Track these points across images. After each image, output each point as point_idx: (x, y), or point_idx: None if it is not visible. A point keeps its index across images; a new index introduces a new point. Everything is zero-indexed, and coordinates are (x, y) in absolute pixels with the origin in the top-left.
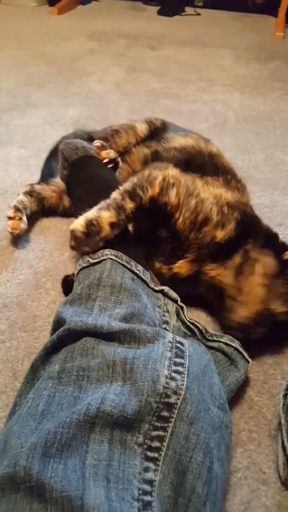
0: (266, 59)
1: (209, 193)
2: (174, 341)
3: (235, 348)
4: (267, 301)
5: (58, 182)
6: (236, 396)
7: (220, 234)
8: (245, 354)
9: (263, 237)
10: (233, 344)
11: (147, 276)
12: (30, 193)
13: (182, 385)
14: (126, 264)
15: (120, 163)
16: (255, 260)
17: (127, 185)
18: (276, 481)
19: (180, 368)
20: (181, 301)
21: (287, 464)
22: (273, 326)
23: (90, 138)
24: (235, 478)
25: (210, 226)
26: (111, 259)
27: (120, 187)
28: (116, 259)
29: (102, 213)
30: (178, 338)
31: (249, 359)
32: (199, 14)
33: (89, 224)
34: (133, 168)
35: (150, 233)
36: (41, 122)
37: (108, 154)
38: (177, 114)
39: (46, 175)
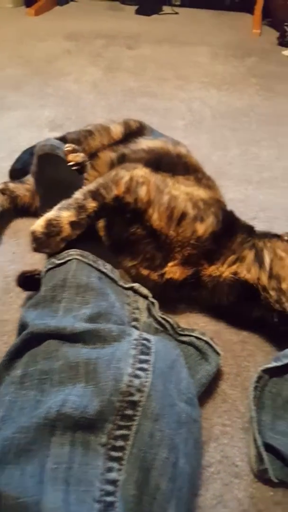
0: (243, 56)
1: (181, 191)
2: (140, 338)
3: (206, 342)
4: None
5: (32, 180)
6: (209, 390)
7: (201, 228)
8: (216, 347)
9: (246, 230)
10: (204, 338)
11: (115, 274)
12: (3, 191)
13: (147, 382)
14: (92, 263)
15: (89, 167)
16: (271, 247)
17: (91, 185)
18: (248, 474)
19: (145, 365)
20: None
21: (258, 456)
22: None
23: (63, 140)
24: (208, 472)
25: (188, 219)
26: (77, 259)
27: (84, 187)
28: (82, 258)
29: (62, 213)
30: (144, 335)
31: (220, 352)
32: (177, 13)
33: (49, 224)
34: (100, 173)
35: (125, 235)
36: (16, 124)
37: (75, 157)
38: (154, 112)
39: (16, 171)
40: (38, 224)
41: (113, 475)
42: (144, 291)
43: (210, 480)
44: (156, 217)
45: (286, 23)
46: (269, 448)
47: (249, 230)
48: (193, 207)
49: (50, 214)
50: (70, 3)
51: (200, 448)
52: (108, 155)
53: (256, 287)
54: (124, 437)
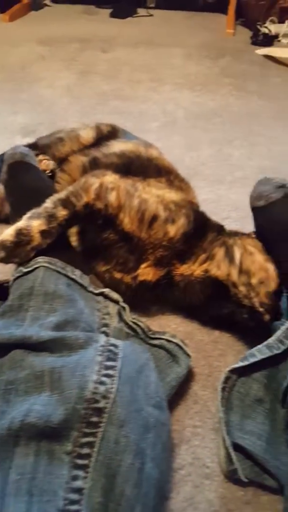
0: (216, 56)
1: (151, 194)
2: (107, 344)
3: (177, 344)
4: (278, 273)
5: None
6: (181, 392)
7: (172, 229)
8: (186, 350)
9: (217, 229)
10: (175, 340)
11: (85, 280)
12: None
13: (112, 388)
14: (60, 270)
15: (59, 173)
16: (241, 244)
17: (61, 193)
18: (219, 474)
19: (110, 372)
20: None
21: (227, 456)
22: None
23: (35, 146)
24: (179, 475)
25: (159, 221)
26: (44, 266)
27: (54, 195)
28: (50, 266)
29: (32, 221)
30: (112, 341)
31: (190, 354)
32: (151, 15)
33: (19, 233)
34: (73, 177)
35: (97, 241)
36: None
37: (48, 165)
38: (127, 115)
39: None
40: (8, 234)
41: (78, 483)
42: (115, 296)
43: (181, 482)
44: (127, 221)
45: (259, 23)
46: (238, 448)
47: (220, 229)
48: (164, 209)
49: (20, 223)
50: (45, 8)
51: (169, 452)
52: (80, 159)
53: (226, 283)
54: (90, 444)
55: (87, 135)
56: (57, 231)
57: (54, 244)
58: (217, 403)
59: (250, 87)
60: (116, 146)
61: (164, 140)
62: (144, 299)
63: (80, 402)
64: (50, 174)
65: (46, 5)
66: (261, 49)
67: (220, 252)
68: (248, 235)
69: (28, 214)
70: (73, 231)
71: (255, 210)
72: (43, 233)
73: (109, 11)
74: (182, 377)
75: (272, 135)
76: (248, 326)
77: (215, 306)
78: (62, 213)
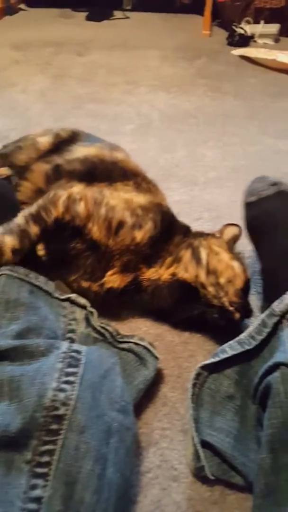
0: (192, 58)
1: (119, 199)
2: (69, 351)
3: (144, 347)
4: (244, 270)
5: None
6: (150, 395)
7: (139, 235)
8: (154, 352)
9: (183, 231)
10: (142, 343)
11: (50, 286)
12: None
13: (72, 395)
14: (24, 277)
15: (16, 180)
16: (207, 244)
17: (32, 208)
18: (187, 476)
19: (71, 378)
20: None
21: (195, 454)
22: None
23: None
24: (146, 478)
25: (126, 228)
26: (6, 274)
27: (25, 210)
28: (12, 273)
29: (4, 238)
30: (74, 347)
31: (158, 356)
32: (128, 18)
33: None
34: (37, 186)
35: (64, 250)
36: None
37: (5, 171)
38: (102, 118)
39: None
40: None
41: (37, 492)
42: (82, 301)
43: (149, 486)
44: (95, 230)
45: (234, 23)
46: (206, 445)
47: (186, 231)
48: (131, 215)
49: None
50: (20, 12)
51: (133, 456)
52: (42, 167)
53: (195, 285)
54: (50, 452)
55: (44, 141)
56: (28, 248)
57: None
58: (188, 400)
59: (225, 87)
60: (79, 151)
61: (138, 142)
62: (113, 305)
63: (39, 410)
64: (5, 179)
65: (21, 9)
66: (237, 49)
67: (186, 254)
68: (212, 235)
69: (0, 230)
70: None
71: (246, 205)
72: (15, 251)
73: (85, 14)
74: (149, 379)
75: (246, 135)
76: (219, 326)
77: (185, 308)
78: (34, 230)
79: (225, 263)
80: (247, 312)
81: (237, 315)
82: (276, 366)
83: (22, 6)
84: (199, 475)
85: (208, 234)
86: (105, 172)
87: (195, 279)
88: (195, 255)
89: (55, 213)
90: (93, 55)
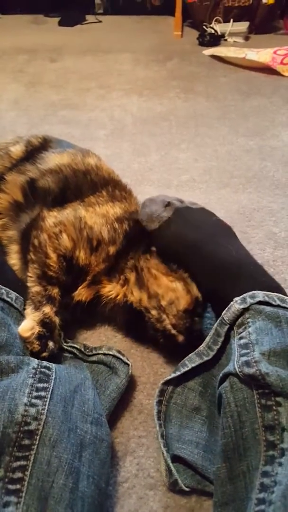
0: (164, 59)
1: (96, 216)
2: (39, 367)
3: (113, 355)
4: (189, 290)
5: None
6: (126, 403)
7: (112, 249)
8: (124, 358)
9: (146, 243)
10: (111, 352)
11: (20, 303)
12: None
13: (44, 409)
14: None
15: None
16: (147, 268)
17: (34, 269)
18: (163, 484)
19: (42, 393)
20: None
21: (168, 470)
22: None
23: None
24: (123, 488)
25: (103, 245)
26: None
27: (29, 275)
28: None
29: (44, 309)
30: (44, 363)
31: (128, 362)
32: (100, 22)
33: (43, 323)
34: (14, 197)
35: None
36: None
37: None
38: (76, 124)
39: None
40: (30, 326)
41: (10, 510)
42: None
43: (126, 495)
44: (82, 255)
45: (205, 23)
46: (178, 458)
47: (141, 244)
48: (108, 231)
49: (34, 316)
50: None
51: (109, 468)
52: (17, 179)
53: (140, 309)
54: (22, 468)
55: (17, 150)
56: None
57: None
58: (154, 417)
59: (197, 88)
60: (52, 160)
61: (112, 147)
62: (83, 316)
63: (10, 426)
64: None
65: None
66: (208, 49)
67: (132, 278)
68: (152, 253)
69: (30, 307)
70: (13, 248)
71: (152, 233)
72: (56, 312)
73: (57, 19)
74: (122, 387)
75: (218, 135)
76: (166, 349)
77: (139, 328)
78: (55, 291)
79: (165, 287)
80: (192, 333)
81: (181, 338)
82: (226, 376)
83: None
84: (174, 488)
85: (151, 250)
86: (76, 187)
87: (139, 304)
88: (139, 278)
89: (53, 263)
90: (66, 60)
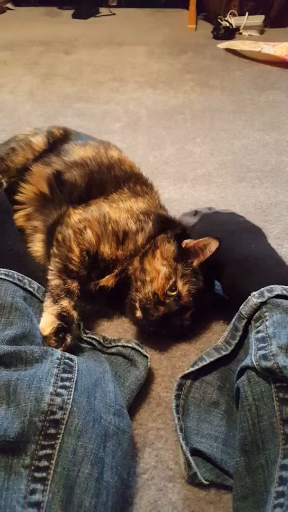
0: (178, 52)
1: (120, 211)
2: (63, 358)
3: (132, 348)
4: (171, 279)
5: None
6: (144, 395)
7: (140, 238)
8: (142, 351)
9: (180, 229)
10: (129, 345)
11: (42, 293)
12: None
13: (69, 399)
14: (18, 282)
15: (4, 184)
16: (157, 247)
17: (56, 264)
18: (182, 476)
19: (67, 383)
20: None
21: (187, 462)
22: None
23: None
24: (142, 480)
25: (131, 235)
26: (1, 278)
27: (51, 268)
28: (7, 278)
29: (62, 303)
30: (67, 355)
31: (147, 354)
32: (114, 14)
33: (61, 316)
34: (40, 190)
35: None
36: None
37: None
38: (91, 116)
39: None
40: (50, 322)
41: (36, 497)
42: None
43: (145, 487)
44: (107, 249)
45: (219, 16)
46: (197, 452)
47: (185, 229)
48: (135, 222)
49: (52, 310)
50: (7, 11)
51: (130, 459)
52: (43, 171)
53: (131, 276)
54: (48, 457)
55: (38, 141)
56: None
57: (11, 256)
58: (172, 411)
59: (212, 82)
60: (76, 153)
61: (127, 140)
62: (102, 303)
63: (36, 415)
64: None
65: (8, 8)
66: (223, 42)
67: (146, 249)
68: (172, 239)
69: (49, 299)
70: (37, 237)
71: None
72: (75, 307)
73: (71, 12)
74: (141, 379)
75: (233, 129)
76: (130, 319)
77: (121, 295)
78: (74, 284)
79: (153, 266)
80: (148, 315)
81: (138, 313)
82: (244, 370)
83: (9, 5)
84: (193, 482)
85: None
86: (100, 184)
87: (133, 272)
88: (145, 253)
89: (75, 257)
90: (80, 53)
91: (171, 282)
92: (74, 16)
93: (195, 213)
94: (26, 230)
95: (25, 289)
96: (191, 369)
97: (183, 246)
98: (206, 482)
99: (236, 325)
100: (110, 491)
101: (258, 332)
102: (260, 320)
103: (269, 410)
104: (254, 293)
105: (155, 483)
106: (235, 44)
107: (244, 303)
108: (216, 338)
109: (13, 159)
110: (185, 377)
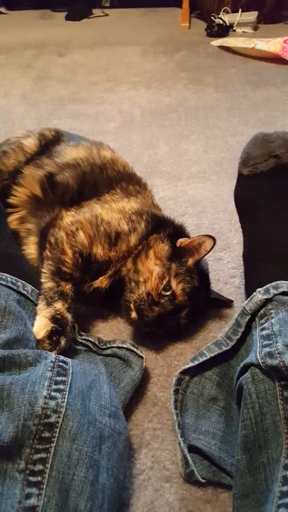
0: (172, 51)
1: (112, 211)
2: (57, 361)
3: (127, 349)
4: (164, 279)
5: None
6: (140, 395)
7: (133, 238)
8: (138, 351)
9: (173, 228)
10: (124, 346)
11: (36, 296)
12: None
13: (63, 402)
14: (11, 285)
15: (14, 187)
16: (150, 247)
17: (48, 266)
18: (179, 476)
19: (61, 386)
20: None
21: (184, 459)
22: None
23: None
24: (138, 480)
25: (123, 236)
26: None
27: (43, 271)
28: (0, 281)
29: (56, 305)
30: (61, 358)
31: (142, 355)
32: (107, 15)
33: (54, 319)
34: (32, 193)
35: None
36: None
37: None
38: (84, 118)
39: None
40: (43, 324)
41: (32, 502)
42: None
43: (141, 488)
44: (99, 251)
45: (213, 14)
46: (195, 449)
47: (179, 228)
48: (127, 223)
49: (45, 312)
50: (0, 16)
51: (126, 460)
52: (36, 173)
53: (125, 277)
54: (43, 461)
55: (30, 144)
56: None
57: (9, 256)
58: (170, 406)
59: (206, 79)
60: (68, 154)
61: (122, 140)
62: (96, 304)
63: (31, 418)
64: None
65: (1, 12)
66: (216, 40)
67: (142, 251)
68: (165, 238)
69: (42, 302)
70: (31, 240)
71: (239, 176)
72: (69, 309)
73: (64, 14)
74: (136, 379)
75: (228, 126)
76: (126, 320)
77: (115, 297)
78: (67, 287)
79: (146, 266)
80: (143, 316)
81: (133, 314)
82: (247, 367)
83: (2, 9)
84: (190, 479)
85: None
86: (93, 185)
87: (127, 272)
88: (138, 254)
89: (68, 259)
90: (74, 54)
91: (164, 282)
92: (68, 18)
93: (274, 156)
94: (20, 233)
95: (19, 292)
96: (191, 364)
97: (178, 245)
98: (203, 480)
99: (239, 320)
100: (106, 493)
101: (263, 329)
102: (265, 317)
103: (273, 409)
104: (259, 289)
105: (152, 484)
106: (228, 41)
107: (249, 299)
108: (212, 336)
109: (5, 162)
110: (184, 372)
